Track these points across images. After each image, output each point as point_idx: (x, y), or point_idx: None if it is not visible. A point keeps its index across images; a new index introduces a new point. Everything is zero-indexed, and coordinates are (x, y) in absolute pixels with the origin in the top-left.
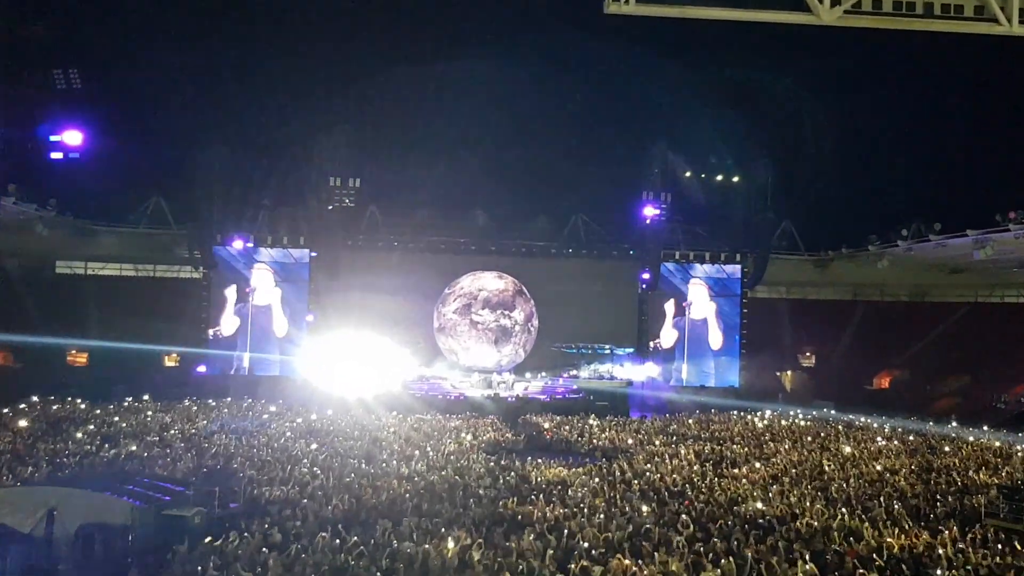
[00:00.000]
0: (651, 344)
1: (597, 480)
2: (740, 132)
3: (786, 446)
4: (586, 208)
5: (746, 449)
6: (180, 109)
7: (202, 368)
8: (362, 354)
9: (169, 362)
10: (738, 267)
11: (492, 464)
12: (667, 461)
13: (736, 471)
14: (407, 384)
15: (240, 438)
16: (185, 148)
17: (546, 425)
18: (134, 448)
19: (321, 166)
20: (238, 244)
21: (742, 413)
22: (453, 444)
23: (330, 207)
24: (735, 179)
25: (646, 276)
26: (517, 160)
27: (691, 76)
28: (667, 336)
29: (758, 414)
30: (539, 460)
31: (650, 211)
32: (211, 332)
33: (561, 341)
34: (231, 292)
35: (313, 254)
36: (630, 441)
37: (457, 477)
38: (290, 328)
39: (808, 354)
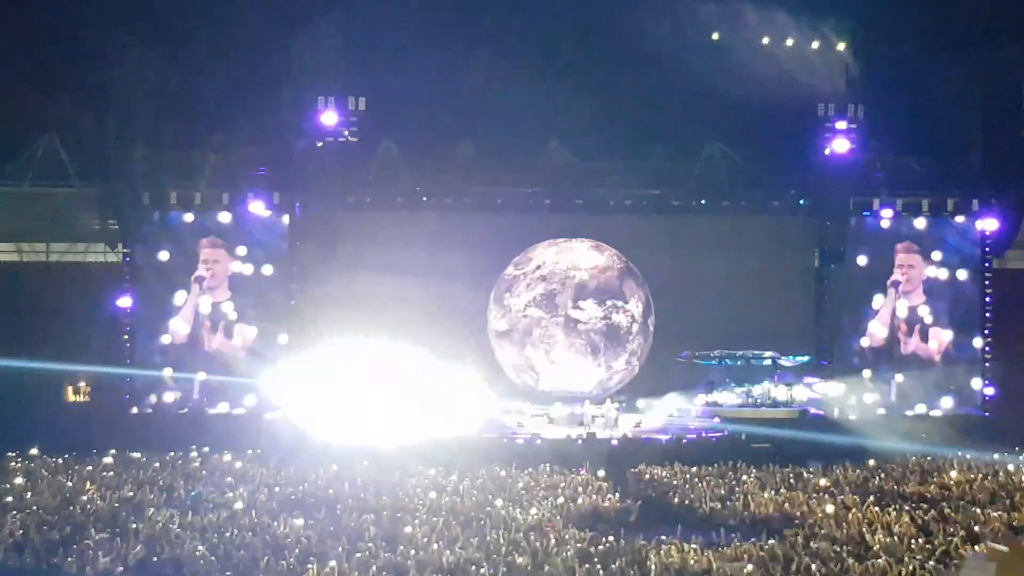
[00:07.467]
0: (835, 350)
1: (757, 572)
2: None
3: None
4: (726, 132)
5: (998, 514)
6: None
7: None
8: (378, 375)
9: (74, 395)
10: (978, 221)
11: (588, 546)
12: (870, 538)
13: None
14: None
15: (191, 512)
16: (91, 58)
17: (672, 482)
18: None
19: (303, 79)
20: (189, 216)
21: (993, 457)
22: (524, 515)
23: (319, 144)
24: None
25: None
26: (612, 60)
27: None
28: (867, 335)
29: (1017, 459)
30: (662, 538)
31: (842, 125)
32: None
33: (692, 347)
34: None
35: (293, 218)
36: (808, 506)
37: (532, 569)
38: (259, 335)
39: None
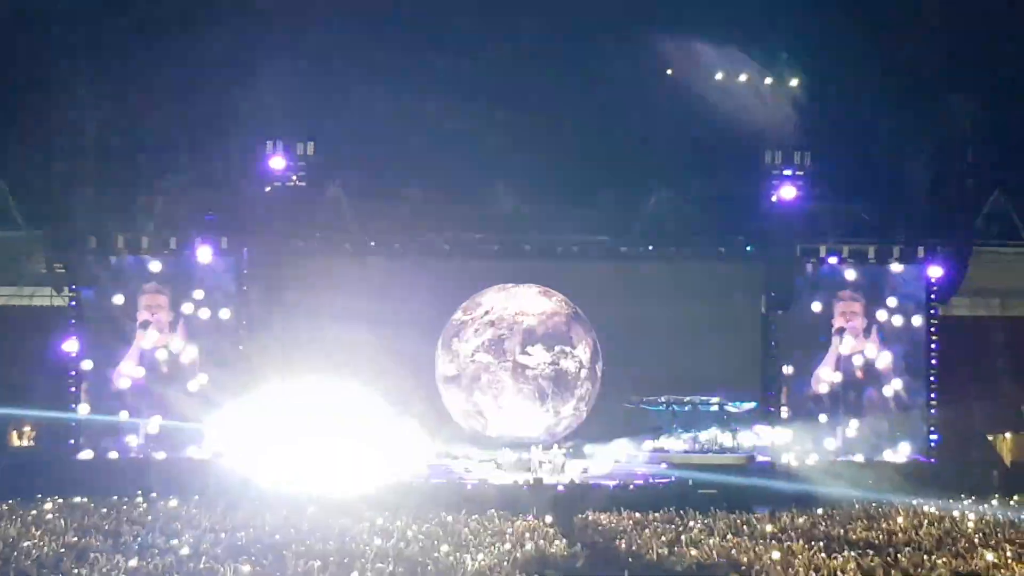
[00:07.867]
0: (785, 396)
1: None
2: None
3: (1008, 554)
4: (672, 179)
5: (944, 561)
6: (33, 34)
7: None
8: (325, 420)
9: (18, 440)
10: (923, 268)
11: None
12: None
13: None
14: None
15: (133, 557)
16: (40, 97)
17: (619, 528)
18: None
19: (251, 122)
20: (136, 259)
21: (938, 504)
22: (472, 561)
23: (267, 188)
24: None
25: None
26: (559, 103)
27: None
28: (817, 382)
29: (961, 505)
30: None
31: (789, 172)
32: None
33: (640, 393)
34: (118, 321)
35: (240, 263)
36: (755, 552)
37: None
38: (211, 380)
39: None
